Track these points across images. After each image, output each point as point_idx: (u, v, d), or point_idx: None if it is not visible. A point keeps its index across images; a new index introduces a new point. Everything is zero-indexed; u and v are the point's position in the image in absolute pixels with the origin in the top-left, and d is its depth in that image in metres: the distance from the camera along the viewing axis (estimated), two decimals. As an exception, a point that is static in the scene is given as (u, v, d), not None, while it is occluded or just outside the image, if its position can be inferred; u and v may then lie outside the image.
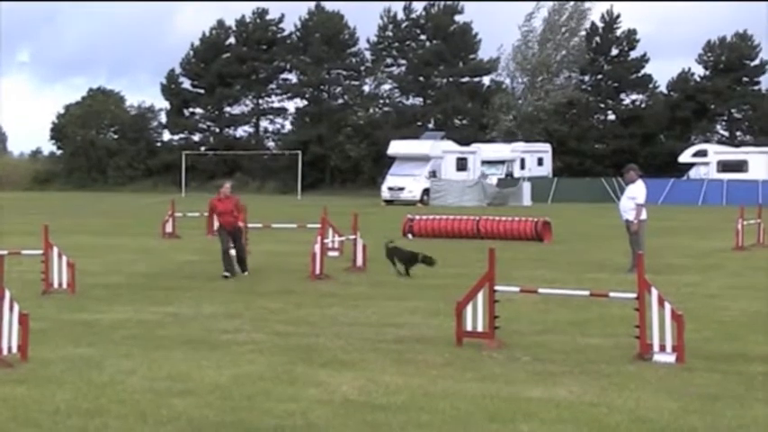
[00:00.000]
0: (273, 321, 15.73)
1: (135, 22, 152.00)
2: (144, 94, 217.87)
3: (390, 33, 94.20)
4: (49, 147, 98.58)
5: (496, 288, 13.26)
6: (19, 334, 12.17)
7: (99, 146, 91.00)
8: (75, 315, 16.34)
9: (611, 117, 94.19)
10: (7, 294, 12.10)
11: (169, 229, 34.33)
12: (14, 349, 12.15)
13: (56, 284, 18.94)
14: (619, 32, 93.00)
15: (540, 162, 74.99)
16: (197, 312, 16.58)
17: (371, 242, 24.40)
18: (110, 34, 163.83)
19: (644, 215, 22.85)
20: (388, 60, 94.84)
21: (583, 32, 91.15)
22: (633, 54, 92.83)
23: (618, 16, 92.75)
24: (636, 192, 22.92)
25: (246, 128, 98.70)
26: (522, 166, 72.00)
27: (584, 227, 40.43)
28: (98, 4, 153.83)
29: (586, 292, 15.17)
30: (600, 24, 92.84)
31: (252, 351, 13.11)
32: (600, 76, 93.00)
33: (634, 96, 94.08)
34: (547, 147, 77.28)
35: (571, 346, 13.44)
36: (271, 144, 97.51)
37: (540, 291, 15.47)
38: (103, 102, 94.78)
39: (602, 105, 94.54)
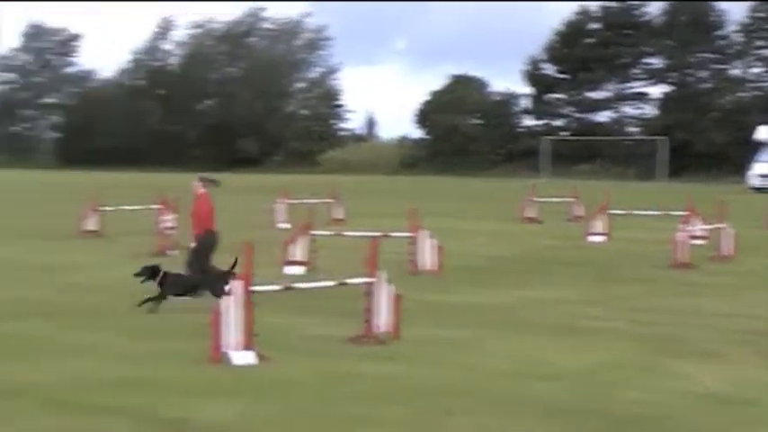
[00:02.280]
0: (633, 309, 15.61)
1: (503, 11, 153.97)
2: (507, 80, 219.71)
3: (762, 15, 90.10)
4: (415, 132, 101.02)
5: None
6: (392, 313, 12.76)
7: (462, 131, 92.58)
8: (441, 296, 16.85)
9: None
10: (382, 275, 12.68)
11: (530, 213, 34.63)
12: (387, 327, 12.74)
13: (422, 266, 19.59)
14: None
15: None
16: (556, 297, 16.69)
17: (740, 231, 23.66)
18: (478, 22, 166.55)
19: None
20: (759, 42, 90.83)
21: None
22: None
23: None
24: None
25: (608, 113, 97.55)
26: None
27: None
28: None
29: None
30: None
31: (611, 338, 13.08)
32: None
33: None
34: None
35: None
36: (632, 130, 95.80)
37: None
38: (467, 87, 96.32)
39: None
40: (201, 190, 17.03)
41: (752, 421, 9.11)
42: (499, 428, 8.85)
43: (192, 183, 17.26)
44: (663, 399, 9.82)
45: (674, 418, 9.18)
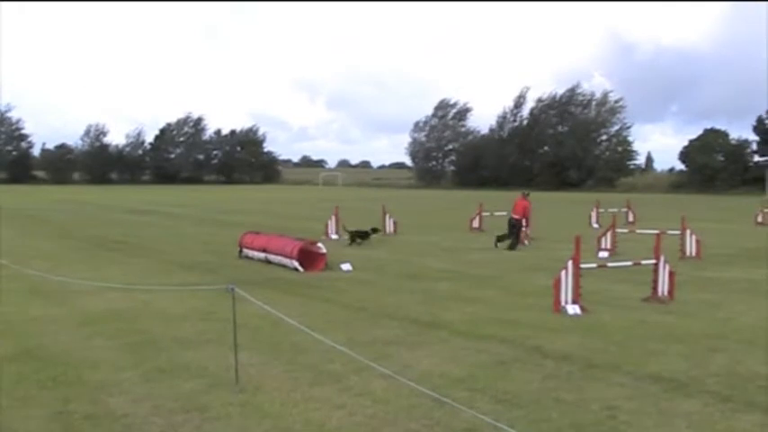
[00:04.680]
0: None
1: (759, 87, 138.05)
2: (744, 131, 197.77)
3: None
4: (679, 165, 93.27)
5: None
6: (669, 283, 11.87)
7: (710, 165, 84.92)
8: (701, 273, 15.45)
9: None
10: (662, 258, 11.84)
11: (761, 219, 31.05)
12: (666, 292, 11.85)
13: (688, 253, 18.14)
14: None
15: None
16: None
17: None
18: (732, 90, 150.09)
19: None
20: None
21: None
22: None
23: None
24: None
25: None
26: None
27: None
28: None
29: None
30: None
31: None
32: None
33: None
34: None
35: None
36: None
37: None
38: (714, 136, 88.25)
39: None
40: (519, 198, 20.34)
41: None
42: (752, 363, 7.90)
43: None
44: None
45: None
